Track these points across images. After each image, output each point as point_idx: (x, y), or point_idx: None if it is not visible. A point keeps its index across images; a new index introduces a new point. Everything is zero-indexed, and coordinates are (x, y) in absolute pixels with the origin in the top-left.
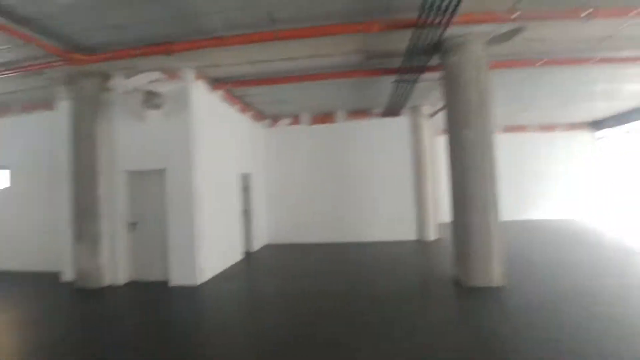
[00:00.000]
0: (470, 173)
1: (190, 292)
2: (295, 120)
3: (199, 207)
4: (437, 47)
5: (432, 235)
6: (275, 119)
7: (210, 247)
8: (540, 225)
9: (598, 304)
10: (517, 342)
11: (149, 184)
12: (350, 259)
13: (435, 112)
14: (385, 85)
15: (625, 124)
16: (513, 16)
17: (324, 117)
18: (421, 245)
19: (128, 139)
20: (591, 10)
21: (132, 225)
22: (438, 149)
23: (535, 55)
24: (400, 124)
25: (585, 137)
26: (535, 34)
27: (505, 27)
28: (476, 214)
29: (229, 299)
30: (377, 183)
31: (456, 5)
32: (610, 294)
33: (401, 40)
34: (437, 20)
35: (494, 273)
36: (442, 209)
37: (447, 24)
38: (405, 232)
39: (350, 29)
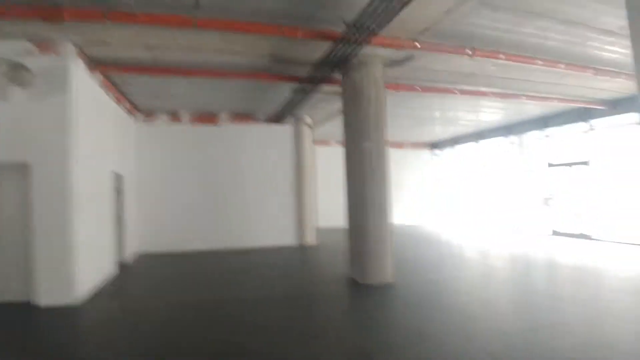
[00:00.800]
0: (368, 180)
1: (69, 314)
2: (175, 117)
3: (77, 210)
4: (344, 63)
5: (311, 240)
6: (149, 114)
7: (87, 259)
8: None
9: (465, 292)
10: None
11: (1, 181)
12: (237, 266)
13: (317, 123)
14: (281, 91)
15: (457, 145)
16: (417, 44)
17: (207, 117)
18: (303, 249)
19: None
20: (473, 49)
21: None
22: (318, 157)
23: (413, 81)
24: (283, 131)
25: (425, 155)
26: (422, 63)
27: (402, 54)
28: (372, 217)
29: (113, 320)
30: (258, 189)
31: (380, 27)
32: (468, 283)
33: (315, 50)
34: (356, 38)
35: (387, 271)
36: (319, 215)
37: (364, 43)
38: (286, 237)
39: (276, 30)
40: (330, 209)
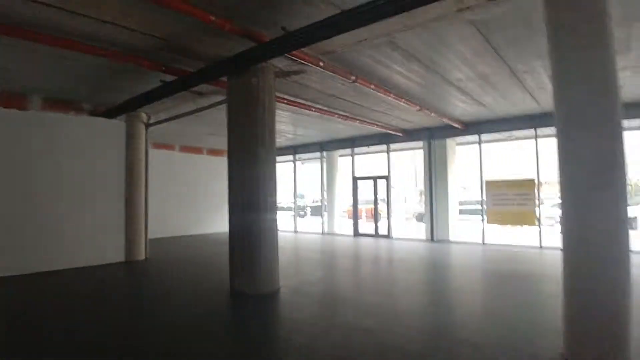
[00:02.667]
0: (261, 186)
1: None
2: None
3: None
4: (246, 66)
5: (143, 254)
6: None
7: None
8: (204, 239)
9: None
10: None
11: None
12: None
13: (156, 123)
14: (143, 82)
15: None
16: (321, 63)
17: (9, 98)
18: (139, 265)
19: None
20: (357, 76)
21: None
22: (156, 161)
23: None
24: (113, 127)
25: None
26: (298, 78)
27: (295, 67)
28: (263, 223)
29: None
30: (78, 196)
31: (311, 43)
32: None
33: (220, 47)
34: (282, 47)
35: (277, 278)
36: (152, 226)
37: (285, 52)
38: (111, 253)
39: (202, 15)
40: (164, 219)
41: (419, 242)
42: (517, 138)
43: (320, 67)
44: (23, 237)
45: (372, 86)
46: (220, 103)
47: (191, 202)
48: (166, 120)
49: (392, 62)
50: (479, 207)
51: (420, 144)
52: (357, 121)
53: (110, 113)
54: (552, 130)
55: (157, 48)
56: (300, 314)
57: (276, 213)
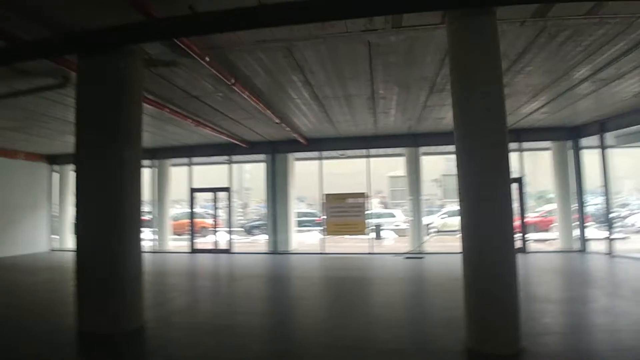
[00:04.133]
0: (128, 195)
1: None
2: None
3: None
4: (117, 45)
5: None
6: None
7: None
8: (22, 261)
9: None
10: None
11: None
12: None
13: None
14: None
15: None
16: (207, 58)
17: None
18: None
19: None
20: (237, 79)
21: None
22: None
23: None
24: None
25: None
26: (171, 75)
27: (171, 56)
28: (128, 243)
29: None
30: None
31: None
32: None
33: (85, 15)
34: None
35: (140, 311)
36: None
37: (177, 36)
38: None
39: None
40: None
41: (263, 255)
42: (349, 157)
43: (205, 62)
44: None
45: (247, 93)
46: (56, 87)
47: None
48: None
49: (277, 69)
50: (314, 218)
51: (262, 157)
52: (208, 128)
53: None
54: (382, 151)
55: None
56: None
57: (141, 230)
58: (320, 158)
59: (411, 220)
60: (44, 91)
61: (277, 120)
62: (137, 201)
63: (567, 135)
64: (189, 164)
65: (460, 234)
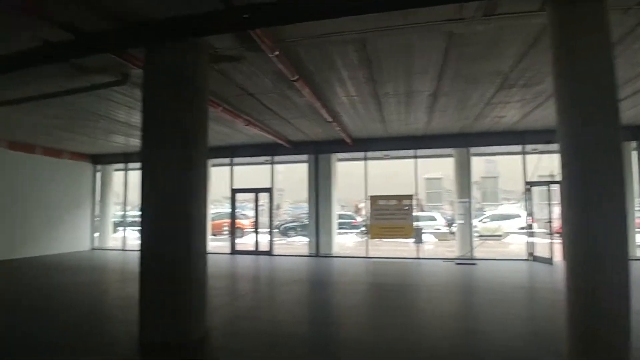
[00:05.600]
0: (191, 199)
1: None
2: None
3: None
4: (184, 34)
5: None
6: None
7: None
8: (68, 259)
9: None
10: None
11: None
12: None
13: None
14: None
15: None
16: (276, 52)
17: None
18: None
19: None
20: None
21: None
22: None
23: None
24: None
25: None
26: (232, 71)
27: (236, 51)
28: (194, 245)
29: None
30: None
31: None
32: None
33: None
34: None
35: (204, 318)
36: None
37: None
38: None
39: None
40: None
41: (306, 258)
42: (393, 157)
43: (274, 56)
44: None
45: (307, 90)
46: (113, 84)
47: (24, 215)
48: (15, 102)
49: (343, 64)
50: (351, 220)
51: (303, 157)
52: (257, 127)
53: None
54: (430, 151)
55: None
56: None
57: (207, 232)
58: (365, 159)
59: (460, 224)
60: (100, 89)
61: (330, 119)
62: (202, 202)
63: None
64: (231, 164)
65: (564, 240)
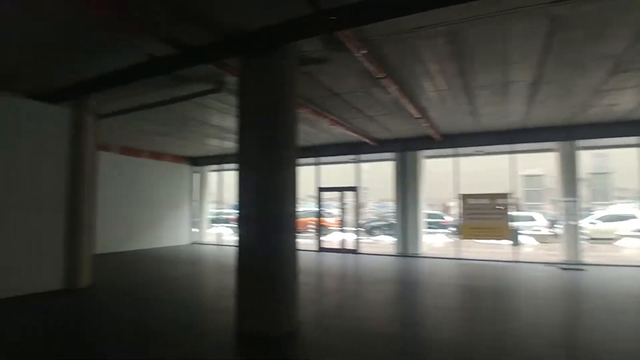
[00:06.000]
0: (287, 197)
1: None
2: None
3: None
4: (277, 42)
5: (87, 278)
6: None
7: None
8: (170, 252)
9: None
10: None
11: None
12: None
13: (113, 114)
14: (103, 56)
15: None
16: (362, 51)
17: None
18: (84, 296)
19: None
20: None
21: None
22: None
23: None
24: (56, 115)
25: (186, 169)
26: (317, 73)
27: (322, 54)
28: (288, 242)
29: None
30: (3, 197)
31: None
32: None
33: (245, 12)
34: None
35: (296, 312)
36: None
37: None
38: (43, 278)
39: None
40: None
41: (393, 258)
42: (487, 153)
43: (361, 55)
44: None
45: (394, 87)
46: (210, 92)
47: (131, 212)
48: (126, 111)
49: (432, 58)
50: (439, 220)
51: (389, 155)
52: (342, 126)
53: (55, 96)
54: (528, 146)
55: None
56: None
57: (297, 229)
58: (455, 155)
59: (565, 226)
60: (198, 97)
61: (418, 115)
62: (293, 200)
63: None
64: (316, 164)
65: None
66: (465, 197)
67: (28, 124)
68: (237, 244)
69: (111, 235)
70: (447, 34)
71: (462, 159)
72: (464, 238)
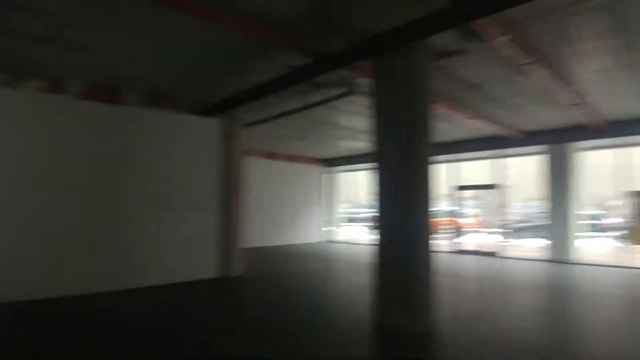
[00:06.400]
0: (422, 193)
1: None
2: (56, 86)
3: None
4: (411, 39)
5: (236, 269)
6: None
7: None
8: (303, 249)
9: None
10: None
11: None
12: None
13: (256, 123)
14: (252, 69)
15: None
16: (503, 38)
17: (106, 93)
18: (232, 284)
19: None
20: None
21: None
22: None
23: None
24: (208, 126)
25: (317, 171)
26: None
27: (456, 46)
28: (424, 240)
29: None
30: (167, 202)
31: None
32: None
33: (376, 16)
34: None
35: (432, 311)
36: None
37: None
38: (204, 267)
39: None
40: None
41: (542, 263)
42: None
43: (504, 41)
44: (105, 250)
45: (544, 71)
46: (343, 96)
47: (271, 211)
48: (267, 119)
49: (587, 36)
50: (597, 222)
51: (536, 148)
52: (480, 119)
53: (209, 110)
54: None
55: (297, 19)
56: None
57: (432, 229)
58: (624, 145)
59: None
60: (332, 101)
61: (576, 101)
62: (428, 199)
63: None
64: (451, 160)
65: None
66: (636, 195)
67: (187, 136)
68: (376, 242)
69: (254, 232)
70: (603, 9)
71: (634, 149)
72: (636, 243)
